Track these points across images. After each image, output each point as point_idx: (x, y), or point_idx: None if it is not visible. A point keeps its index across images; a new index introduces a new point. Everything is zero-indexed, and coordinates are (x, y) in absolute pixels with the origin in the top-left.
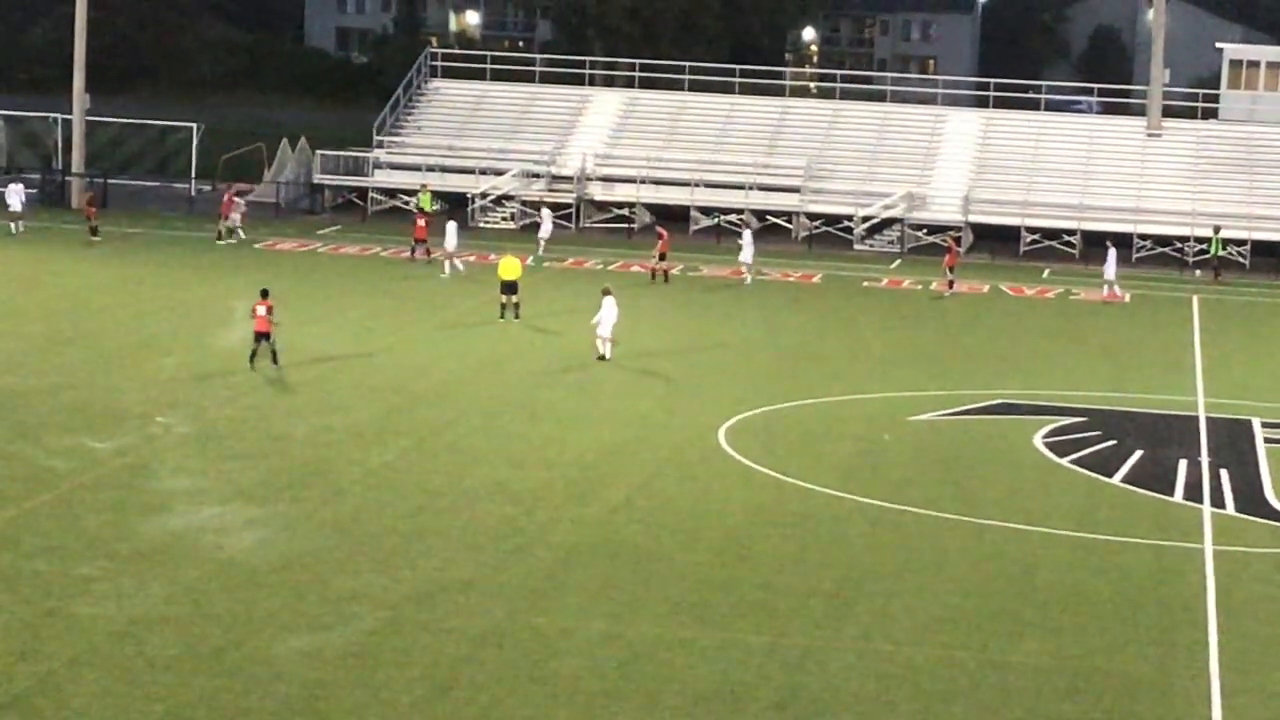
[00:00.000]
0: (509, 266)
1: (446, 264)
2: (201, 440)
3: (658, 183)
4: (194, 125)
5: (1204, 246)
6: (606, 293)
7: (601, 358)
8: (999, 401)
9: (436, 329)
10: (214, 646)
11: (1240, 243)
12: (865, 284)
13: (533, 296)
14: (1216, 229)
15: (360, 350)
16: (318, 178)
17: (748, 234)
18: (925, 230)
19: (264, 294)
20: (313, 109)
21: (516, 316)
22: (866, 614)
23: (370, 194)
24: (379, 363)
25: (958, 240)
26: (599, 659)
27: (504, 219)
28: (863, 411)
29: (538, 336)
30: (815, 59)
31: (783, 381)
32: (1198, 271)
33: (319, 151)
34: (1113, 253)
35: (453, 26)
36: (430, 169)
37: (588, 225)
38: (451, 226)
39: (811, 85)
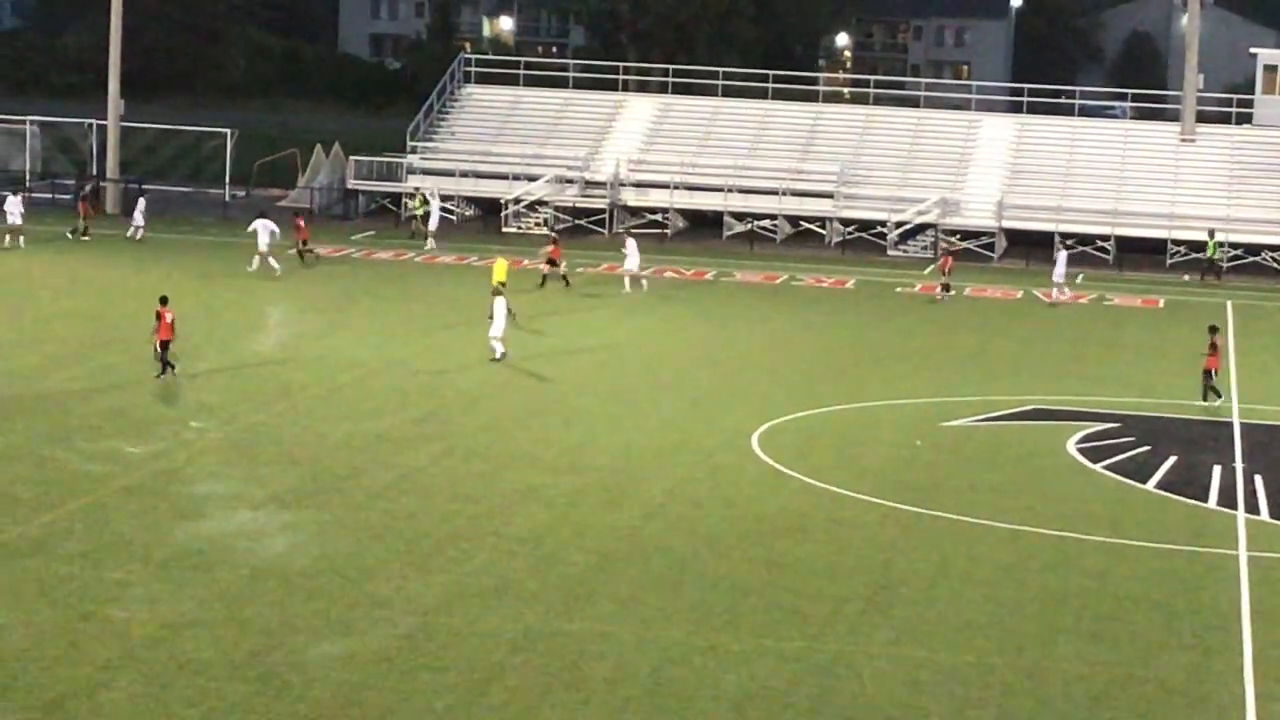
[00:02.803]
0: (499, 269)
1: (627, 281)
2: (235, 445)
3: (691, 188)
4: (228, 131)
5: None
6: (497, 293)
7: (493, 359)
8: (1032, 407)
9: (469, 334)
10: (248, 651)
11: (1276, 248)
12: (898, 289)
13: (565, 304)
14: (1211, 232)
15: (393, 355)
16: (351, 183)
17: (631, 242)
18: (959, 236)
19: (164, 301)
20: (347, 115)
21: (513, 318)
22: (899, 620)
23: (404, 199)
24: (412, 368)
25: (954, 248)
26: (631, 664)
27: (537, 224)
28: (896, 417)
29: (569, 343)
30: (849, 64)
31: (816, 387)
32: (1186, 276)
33: (353, 157)
34: (1063, 254)
35: (486, 32)
36: (463, 174)
37: (621, 231)
38: (632, 244)
39: (845, 91)
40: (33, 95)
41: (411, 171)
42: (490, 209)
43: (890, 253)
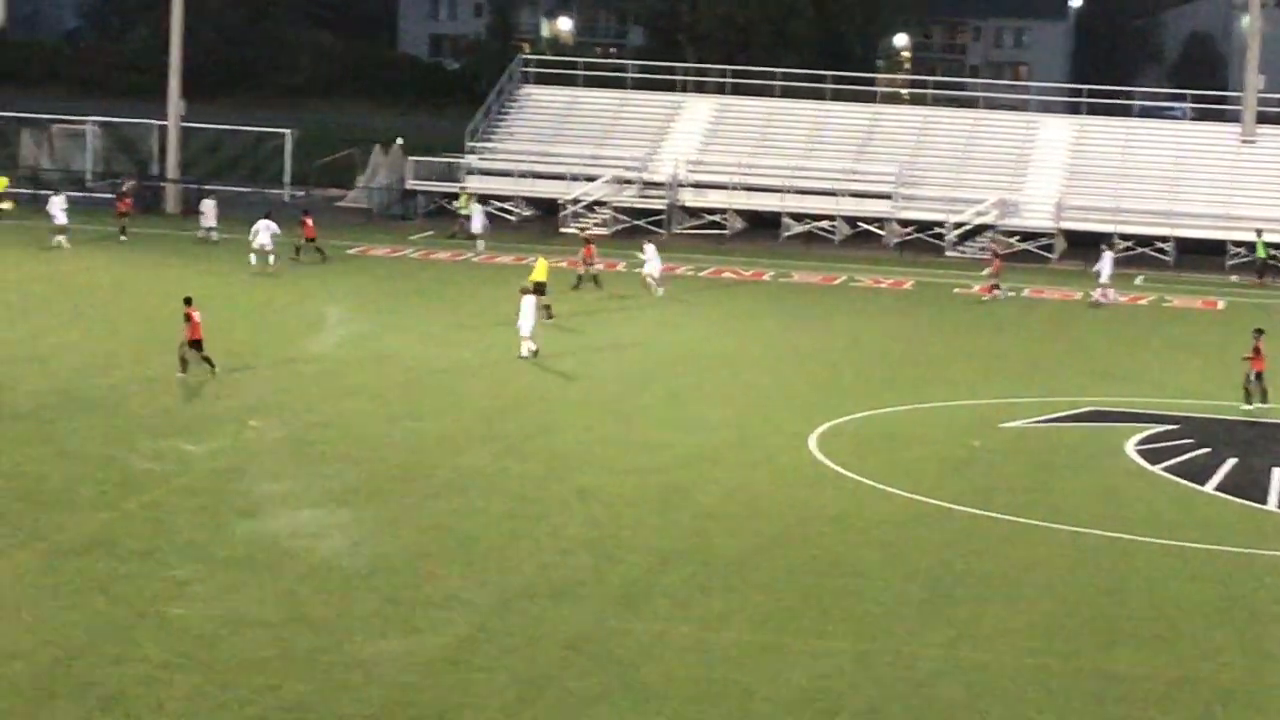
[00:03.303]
0: (539, 269)
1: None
2: (294, 444)
3: (749, 189)
4: (288, 131)
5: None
6: (525, 291)
7: (520, 357)
8: (1091, 408)
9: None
10: (306, 650)
11: None
12: (956, 290)
13: (622, 305)
14: (1259, 231)
15: (450, 355)
16: (410, 183)
17: (650, 247)
18: (1017, 237)
19: (189, 301)
20: (406, 115)
21: (549, 318)
22: (956, 621)
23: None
24: (470, 368)
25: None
26: (688, 665)
27: (595, 225)
28: (954, 418)
29: (626, 343)
30: (907, 65)
31: (874, 388)
32: (1234, 277)
33: (411, 157)
34: (1108, 255)
35: (545, 32)
36: (522, 175)
37: (679, 231)
38: (650, 249)
39: (903, 91)
40: (94, 96)
41: (470, 172)
42: (548, 209)
43: (948, 254)
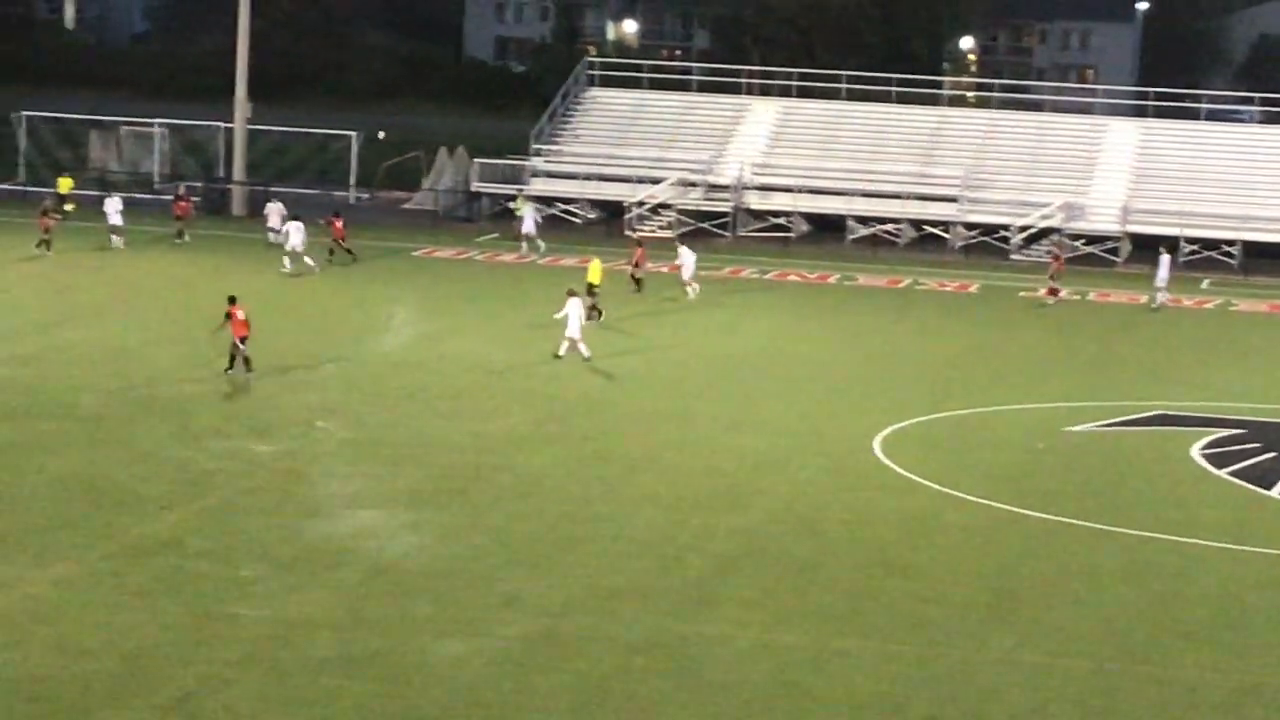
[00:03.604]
0: (594, 270)
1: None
2: (360, 445)
3: (814, 192)
4: (353, 134)
5: None
6: (572, 294)
7: (558, 357)
8: (1156, 413)
9: (589, 337)
10: (370, 650)
11: None
12: (1022, 294)
13: (682, 308)
14: None
15: (514, 357)
16: (475, 186)
17: (684, 249)
18: (1083, 240)
19: (233, 300)
20: (471, 117)
21: (599, 318)
22: (1021, 625)
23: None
24: (533, 370)
25: (1060, 250)
26: (752, 668)
27: (660, 227)
28: (1019, 422)
29: (687, 347)
30: (973, 68)
31: (939, 391)
32: None
33: (477, 160)
34: (1165, 259)
35: (610, 35)
36: (587, 177)
37: (744, 234)
38: (684, 251)
39: (969, 94)
40: (162, 98)
41: (535, 174)
42: (614, 212)
43: (1014, 257)
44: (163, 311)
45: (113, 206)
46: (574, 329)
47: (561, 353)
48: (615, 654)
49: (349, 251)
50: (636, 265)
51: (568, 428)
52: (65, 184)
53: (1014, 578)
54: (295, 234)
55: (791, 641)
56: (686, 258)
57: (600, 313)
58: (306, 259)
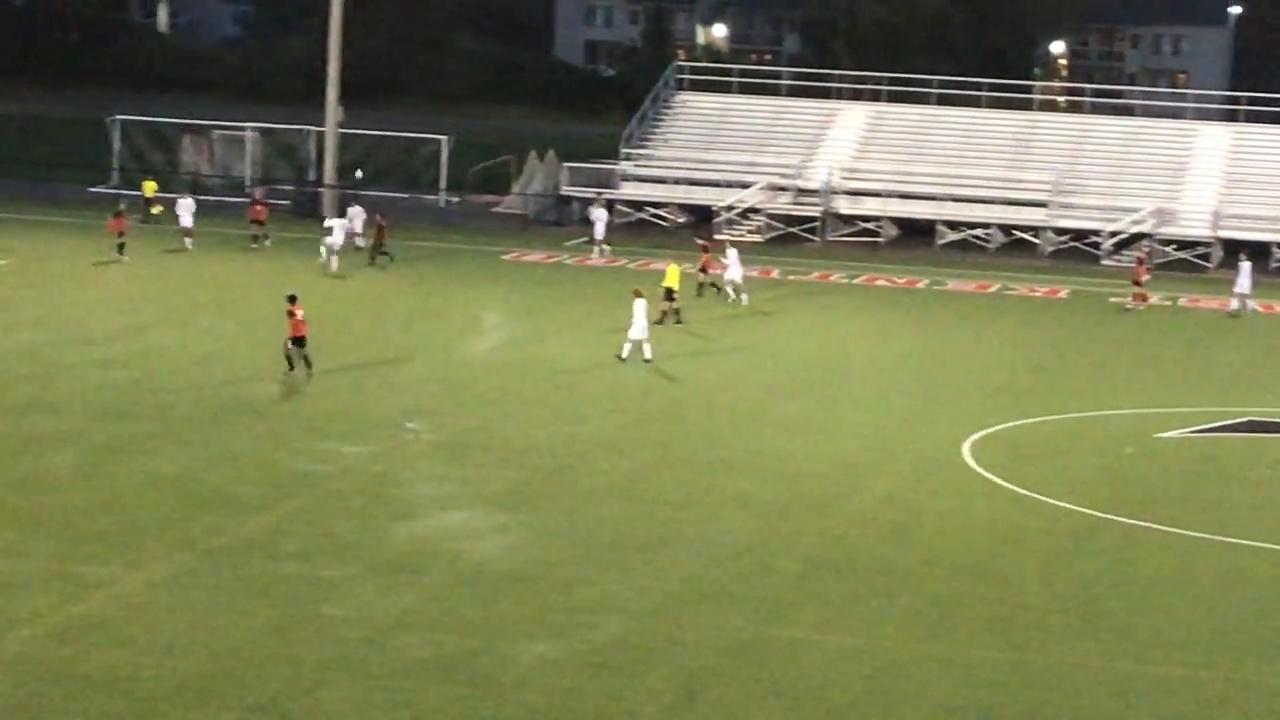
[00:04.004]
0: (672, 274)
1: (731, 291)
2: (448, 448)
3: (904, 196)
4: (444, 137)
5: None
6: (638, 295)
7: (621, 359)
8: (1247, 419)
9: (678, 341)
10: (459, 653)
11: None
12: (1112, 299)
13: (776, 309)
14: None
15: (603, 361)
16: (565, 190)
17: (733, 252)
18: (1174, 246)
19: (293, 299)
20: (561, 121)
21: (678, 322)
22: (1110, 631)
23: (617, 206)
24: (621, 373)
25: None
26: (841, 672)
27: (750, 232)
28: (1109, 428)
29: (779, 350)
30: (1064, 72)
31: (1028, 396)
32: None
33: (566, 164)
34: (1245, 265)
35: (700, 39)
36: (676, 181)
37: (833, 239)
38: (733, 254)
39: (1060, 99)
40: (253, 102)
41: (625, 178)
42: (703, 216)
43: (1104, 262)
44: (250, 314)
45: (185, 208)
46: (638, 330)
47: (624, 354)
48: (703, 658)
49: (386, 253)
50: (704, 269)
51: (655, 431)
52: (150, 187)
53: (1103, 583)
54: (339, 231)
55: (879, 646)
56: (733, 261)
57: (680, 317)
58: (334, 260)
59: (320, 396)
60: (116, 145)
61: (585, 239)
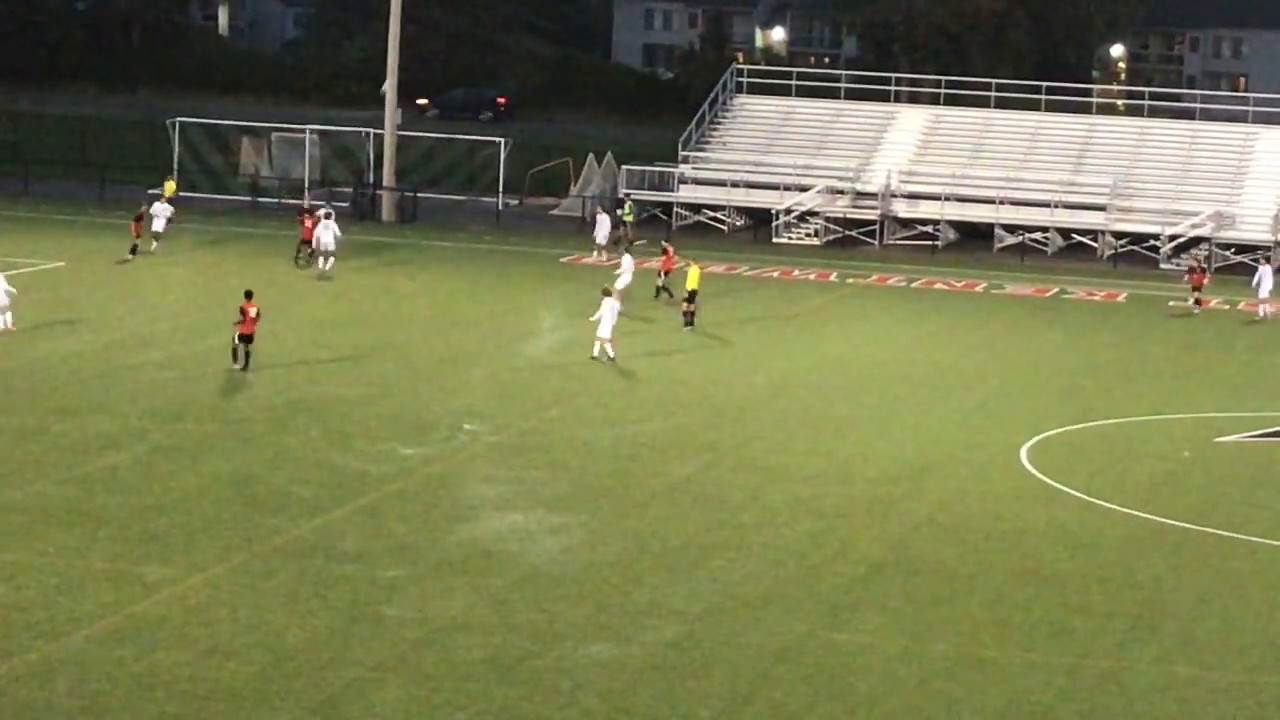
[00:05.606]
0: (693, 276)
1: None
2: (506, 449)
3: (962, 200)
4: (502, 140)
5: None
6: (606, 294)
7: (594, 358)
8: None
9: (737, 344)
10: (516, 655)
11: None
12: (1171, 303)
13: (831, 315)
14: None
15: (661, 364)
16: (623, 192)
17: (627, 258)
18: (1233, 250)
19: (249, 296)
20: (619, 124)
21: (688, 324)
22: (1169, 636)
23: (675, 209)
24: (679, 376)
25: (1206, 261)
26: (897, 676)
27: (808, 235)
28: (1168, 432)
29: (837, 354)
30: (1123, 76)
31: (1087, 400)
32: None
33: (624, 166)
34: (1267, 269)
35: (759, 43)
36: (735, 184)
37: (891, 242)
38: (627, 260)
39: (1119, 102)
40: (312, 104)
41: (683, 181)
42: (761, 219)
43: (1163, 266)
44: (306, 316)
45: (161, 211)
46: (605, 329)
47: (595, 354)
48: (760, 661)
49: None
50: (665, 273)
51: (713, 434)
52: (170, 187)
53: (1162, 588)
54: (327, 232)
55: (937, 651)
56: (626, 266)
57: (692, 321)
58: (328, 260)
59: (378, 398)
60: (176, 148)
61: (644, 240)
